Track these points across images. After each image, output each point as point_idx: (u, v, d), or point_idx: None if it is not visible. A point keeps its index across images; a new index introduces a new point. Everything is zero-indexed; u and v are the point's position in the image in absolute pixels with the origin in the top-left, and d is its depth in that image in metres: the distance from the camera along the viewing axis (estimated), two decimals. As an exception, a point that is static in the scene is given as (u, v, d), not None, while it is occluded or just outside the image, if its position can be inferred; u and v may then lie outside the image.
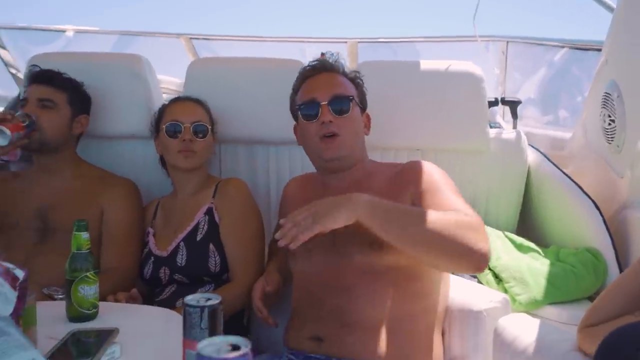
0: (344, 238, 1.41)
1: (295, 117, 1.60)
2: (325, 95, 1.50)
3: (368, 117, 1.63)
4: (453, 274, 1.52)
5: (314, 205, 1.27)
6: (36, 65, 1.87)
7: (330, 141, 1.48)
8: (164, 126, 1.77)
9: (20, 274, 1.02)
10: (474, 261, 1.26)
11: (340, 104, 1.50)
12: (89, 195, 1.80)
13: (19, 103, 1.79)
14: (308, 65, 1.60)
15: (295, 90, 1.60)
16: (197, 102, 1.85)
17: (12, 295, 0.97)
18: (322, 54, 3.97)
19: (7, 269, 1.01)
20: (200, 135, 1.77)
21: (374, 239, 1.36)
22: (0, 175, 1.88)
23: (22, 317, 1.00)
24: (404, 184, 1.44)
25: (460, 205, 1.35)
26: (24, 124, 1.65)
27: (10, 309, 0.94)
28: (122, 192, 1.83)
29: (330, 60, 1.59)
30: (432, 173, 1.44)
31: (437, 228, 1.24)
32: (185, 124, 1.75)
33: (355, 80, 1.60)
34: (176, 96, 1.93)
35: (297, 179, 1.74)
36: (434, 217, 1.26)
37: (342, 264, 1.40)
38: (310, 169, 2.04)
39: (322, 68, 1.58)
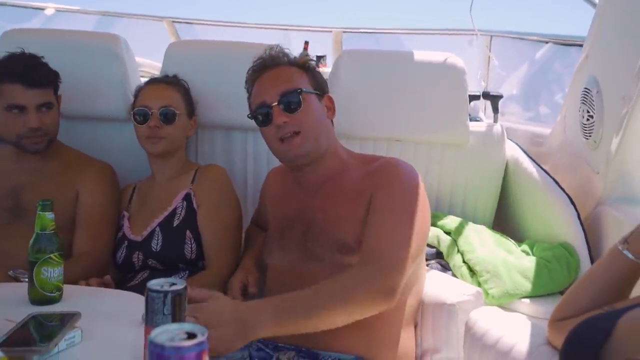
0: (315, 239, 1.41)
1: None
2: (273, 95, 1.42)
3: (330, 100, 1.53)
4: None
5: (215, 329, 1.02)
6: (19, 58, 1.71)
7: (290, 141, 1.41)
8: (132, 111, 1.75)
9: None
10: (378, 306, 1.24)
11: (290, 100, 1.42)
12: (64, 177, 1.75)
13: (13, 108, 1.66)
14: (253, 65, 1.51)
15: (249, 94, 1.52)
16: (171, 83, 1.81)
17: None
18: (306, 43, 3.93)
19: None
20: (168, 121, 1.72)
21: (343, 242, 1.35)
22: None
23: None
24: (371, 183, 1.38)
25: (382, 239, 1.29)
26: None
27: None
28: (98, 175, 1.79)
29: (272, 53, 1.49)
30: (398, 182, 1.37)
31: (333, 304, 1.19)
32: (152, 110, 1.71)
33: (305, 65, 1.50)
34: (151, 77, 1.88)
35: (277, 170, 1.70)
36: (323, 296, 1.20)
37: (313, 263, 1.39)
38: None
39: (266, 65, 1.48)
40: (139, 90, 1.80)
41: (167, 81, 1.82)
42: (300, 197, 1.50)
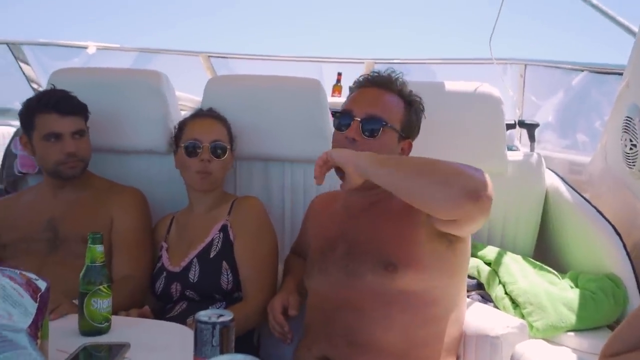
0: (358, 258, 1.40)
1: None
2: (361, 111, 1.45)
3: (409, 145, 1.54)
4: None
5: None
6: (52, 92, 1.81)
7: None
8: (182, 145, 1.77)
9: (42, 285, 1.01)
10: (462, 200, 1.23)
11: (371, 125, 1.44)
12: (98, 205, 1.81)
13: (51, 137, 1.74)
14: (368, 75, 1.55)
15: (348, 96, 1.58)
16: (218, 118, 1.84)
17: (32, 307, 0.96)
18: (339, 74, 3.95)
19: (29, 279, 1.00)
20: (219, 154, 1.76)
21: (388, 261, 1.35)
22: (18, 192, 1.88)
23: (41, 329, 0.99)
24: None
25: None
26: None
27: (28, 321, 0.93)
28: (130, 201, 1.84)
29: (391, 76, 1.52)
30: None
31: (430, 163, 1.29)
32: (204, 143, 1.74)
33: (409, 101, 1.52)
34: (197, 110, 1.91)
35: (323, 195, 1.72)
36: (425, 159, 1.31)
37: (354, 284, 1.39)
38: (324, 188, 2.03)
39: (375, 82, 1.52)
40: (185, 123, 1.83)
41: (214, 116, 1.85)
42: (343, 219, 1.51)
